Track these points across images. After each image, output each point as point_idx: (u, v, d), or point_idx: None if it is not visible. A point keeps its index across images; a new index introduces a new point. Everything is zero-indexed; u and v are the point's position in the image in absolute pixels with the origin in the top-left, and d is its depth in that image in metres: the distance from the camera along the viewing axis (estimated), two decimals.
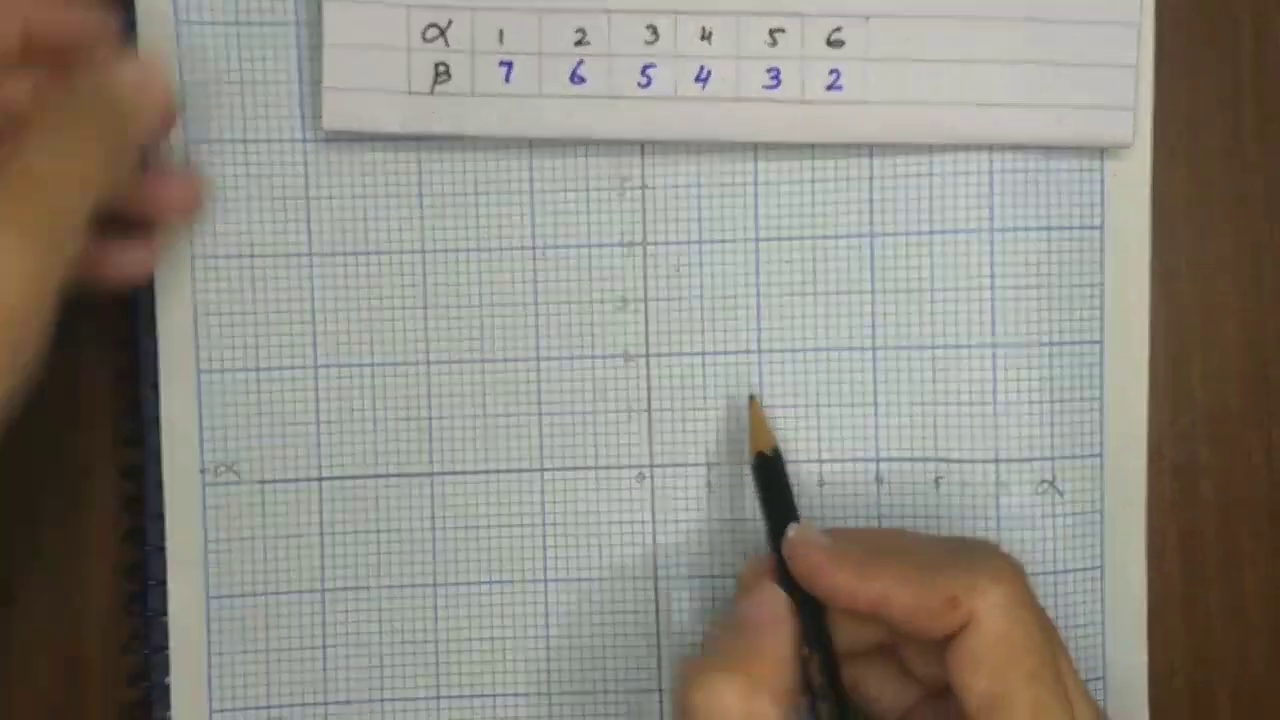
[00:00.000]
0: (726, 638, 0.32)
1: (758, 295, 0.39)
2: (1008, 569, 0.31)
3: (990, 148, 0.37)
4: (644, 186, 0.39)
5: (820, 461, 0.39)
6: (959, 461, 0.38)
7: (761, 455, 0.36)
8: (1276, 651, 0.40)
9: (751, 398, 0.38)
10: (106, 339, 0.39)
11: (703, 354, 0.39)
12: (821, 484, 0.39)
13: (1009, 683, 0.30)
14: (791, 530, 0.34)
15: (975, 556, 0.32)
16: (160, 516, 0.38)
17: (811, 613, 0.33)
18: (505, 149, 0.38)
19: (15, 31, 0.32)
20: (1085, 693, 0.32)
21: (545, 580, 0.39)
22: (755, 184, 0.38)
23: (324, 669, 0.39)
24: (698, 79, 0.37)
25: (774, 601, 0.33)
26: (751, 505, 0.38)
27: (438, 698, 0.39)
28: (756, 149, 0.38)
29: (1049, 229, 0.38)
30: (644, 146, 0.38)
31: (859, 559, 0.32)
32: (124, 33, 0.38)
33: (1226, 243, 0.39)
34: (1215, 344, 0.39)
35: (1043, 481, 0.38)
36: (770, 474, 0.36)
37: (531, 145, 0.38)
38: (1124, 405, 0.38)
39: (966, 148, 0.37)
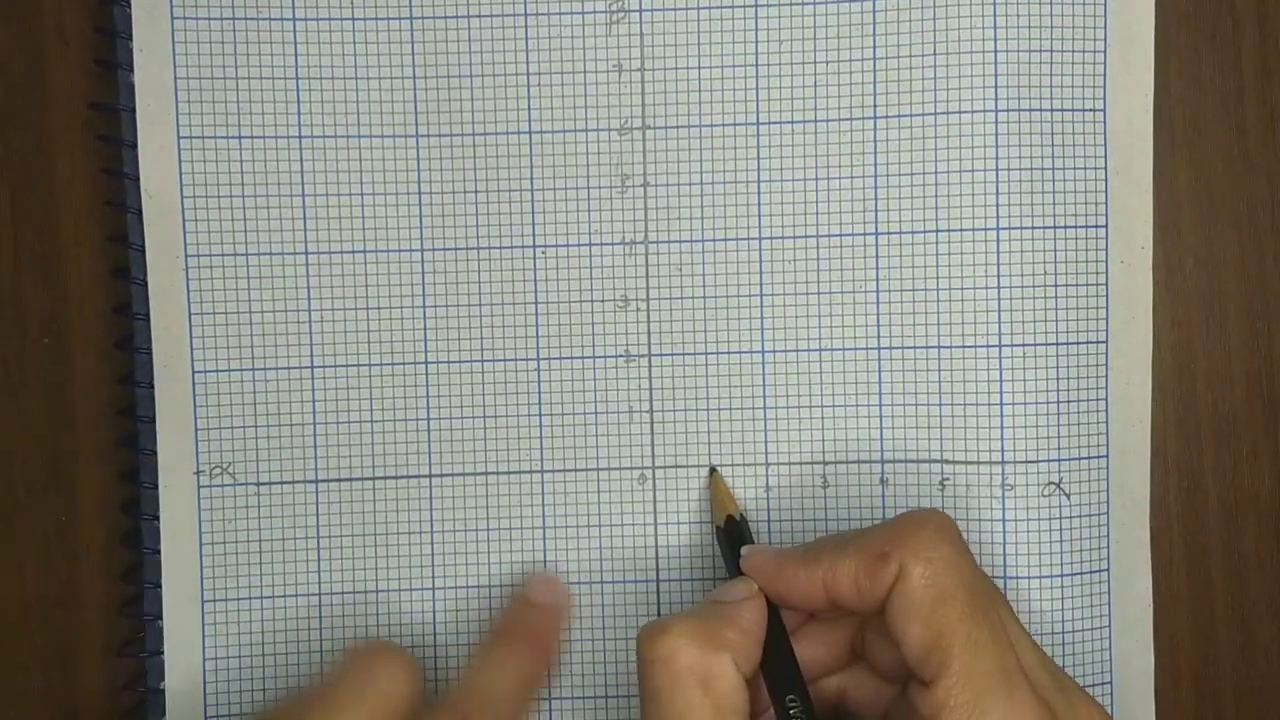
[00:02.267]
0: (694, 609, 0.34)
1: (761, 294, 0.38)
2: (934, 521, 0.32)
3: (996, 146, 0.37)
4: (645, 184, 0.38)
5: (824, 464, 0.38)
6: (964, 463, 0.38)
7: (730, 519, 0.37)
8: None
9: (713, 470, 0.38)
10: (101, 340, 0.39)
11: (705, 354, 0.38)
12: (826, 486, 0.38)
13: (941, 623, 0.30)
14: (745, 549, 0.35)
15: (905, 517, 0.33)
16: (155, 519, 0.38)
17: (783, 652, 0.33)
18: (505, 144, 0.38)
19: None
20: (1033, 642, 0.32)
21: None
22: (758, 181, 0.38)
23: (320, 674, 0.39)
24: None
25: (746, 586, 0.33)
26: (753, 506, 0.38)
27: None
28: (759, 143, 0.38)
29: (1054, 228, 0.38)
30: (645, 142, 0.38)
31: (803, 550, 0.33)
32: (121, 28, 0.38)
33: (1230, 242, 0.39)
34: (1220, 344, 0.39)
35: (1049, 484, 0.38)
36: (736, 538, 0.36)
37: (532, 141, 0.38)
38: (1129, 405, 0.38)
39: (973, 146, 0.37)
